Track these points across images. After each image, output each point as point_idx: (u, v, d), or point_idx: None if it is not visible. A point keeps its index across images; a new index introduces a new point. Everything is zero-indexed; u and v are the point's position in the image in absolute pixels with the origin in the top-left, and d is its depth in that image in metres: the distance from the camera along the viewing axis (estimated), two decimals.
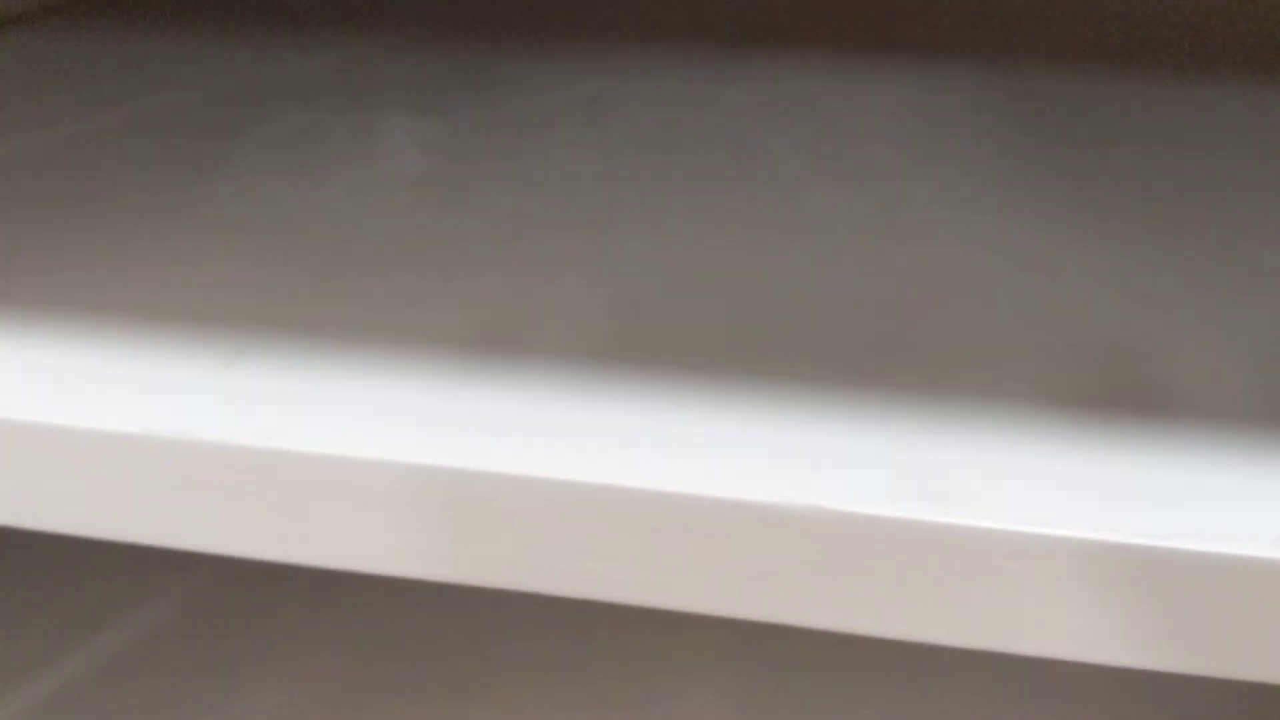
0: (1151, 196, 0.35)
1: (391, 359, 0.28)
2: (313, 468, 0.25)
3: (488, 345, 0.28)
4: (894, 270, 0.31)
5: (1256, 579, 0.21)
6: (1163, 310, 0.29)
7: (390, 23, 0.49)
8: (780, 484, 0.23)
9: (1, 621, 0.46)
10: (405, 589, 0.29)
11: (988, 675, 0.42)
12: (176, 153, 0.39)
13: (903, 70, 0.45)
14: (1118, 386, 0.26)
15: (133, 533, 0.26)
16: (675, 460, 0.24)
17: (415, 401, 0.26)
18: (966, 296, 0.30)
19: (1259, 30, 0.48)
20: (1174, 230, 0.33)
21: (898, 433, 0.25)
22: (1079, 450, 0.24)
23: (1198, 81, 0.43)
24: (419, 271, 0.32)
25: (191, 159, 0.38)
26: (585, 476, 0.24)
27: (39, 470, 0.26)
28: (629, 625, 0.42)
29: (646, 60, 0.45)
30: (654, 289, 0.31)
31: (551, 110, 0.41)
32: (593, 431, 0.25)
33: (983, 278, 0.31)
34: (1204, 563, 0.22)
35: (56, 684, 0.44)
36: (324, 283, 0.31)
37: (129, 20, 0.50)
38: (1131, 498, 0.23)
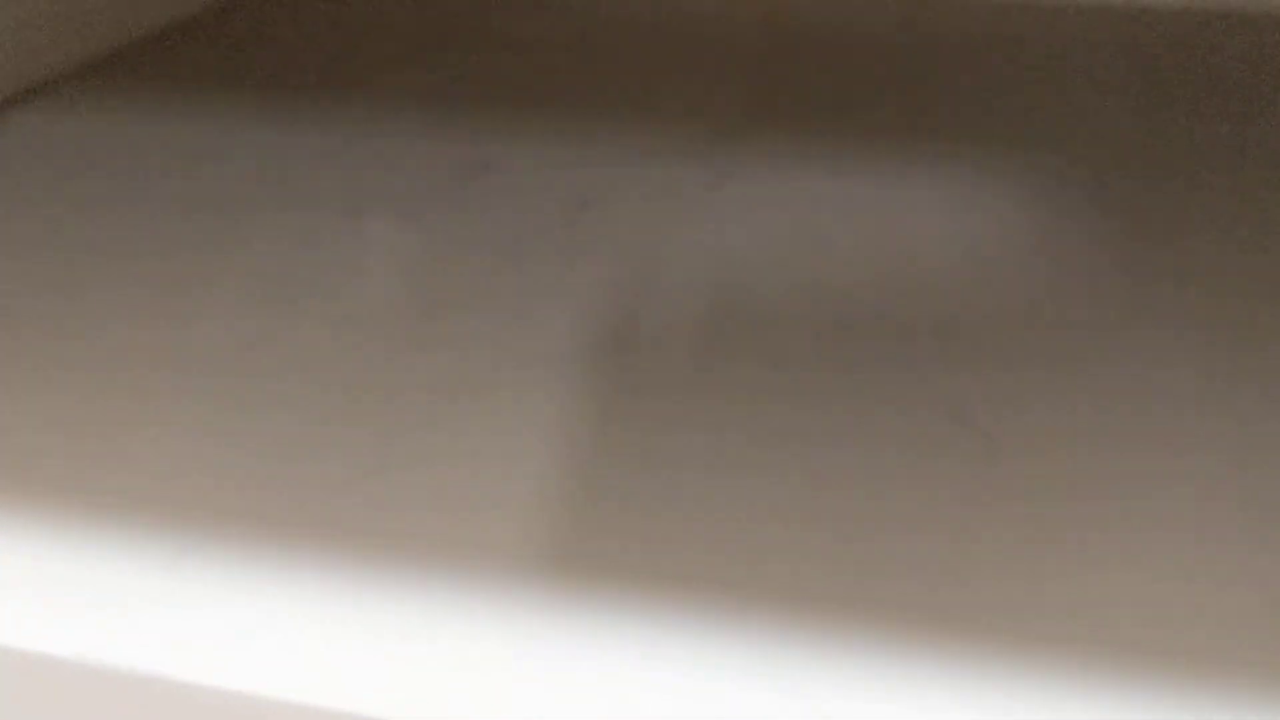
0: None
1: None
2: None
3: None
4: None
5: None
6: None
7: (382, 102, 0.49)
8: None
9: None
10: None
11: None
12: (127, 274, 0.36)
13: (919, 154, 0.43)
14: None
15: None
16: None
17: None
18: None
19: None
20: None
21: None
22: None
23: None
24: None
25: (149, 287, 0.36)
26: None
27: None
28: None
29: (647, 143, 0.44)
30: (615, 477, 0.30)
31: (539, 216, 0.39)
32: None
33: None
34: None
35: None
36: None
37: (105, 106, 0.49)
38: None
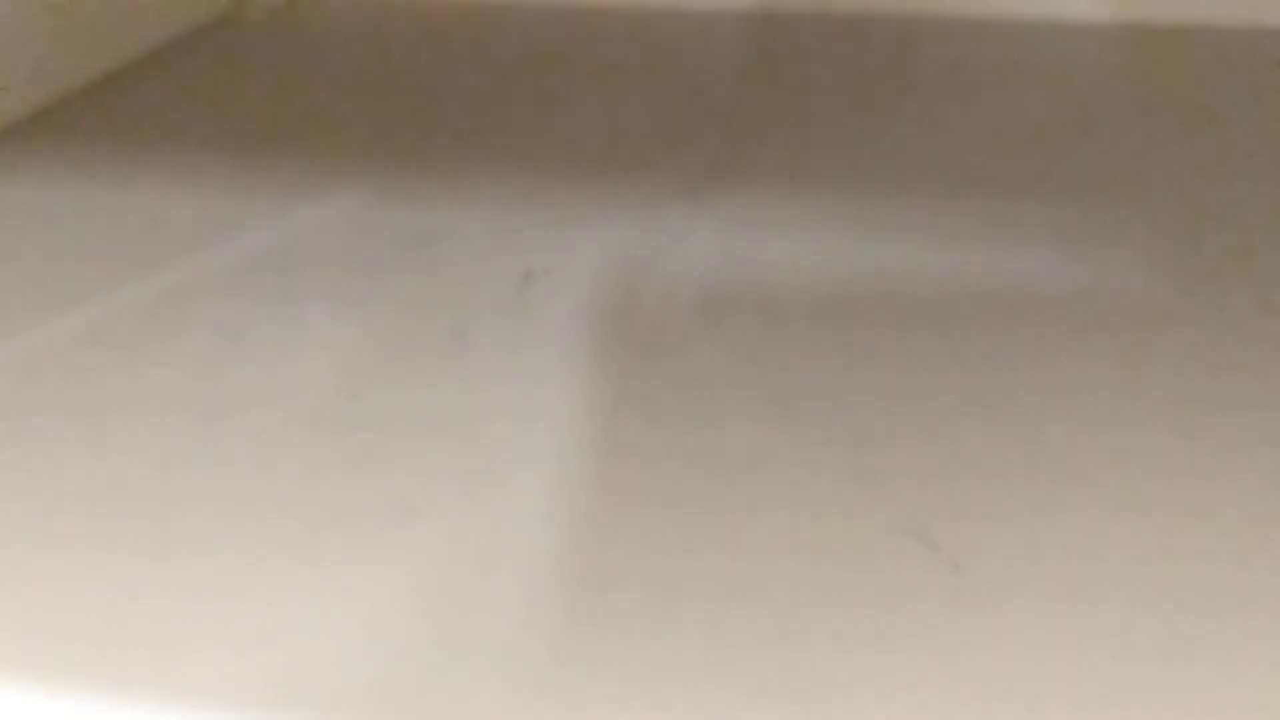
0: None
1: None
2: None
3: None
4: None
5: None
6: None
7: (325, 173, 0.45)
8: None
9: None
10: None
11: None
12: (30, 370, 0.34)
13: (890, 205, 0.40)
14: None
15: None
16: None
17: None
18: None
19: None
20: None
21: None
22: None
23: None
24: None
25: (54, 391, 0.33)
26: None
27: None
28: None
29: (599, 202, 0.41)
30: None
31: (481, 293, 0.36)
32: None
33: None
34: None
35: None
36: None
37: (20, 169, 0.46)
38: None
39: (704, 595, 0.24)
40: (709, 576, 0.25)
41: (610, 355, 0.32)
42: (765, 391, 0.31)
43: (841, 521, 0.26)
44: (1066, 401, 0.30)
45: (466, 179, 0.43)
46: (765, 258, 0.37)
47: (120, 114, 0.51)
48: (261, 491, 0.28)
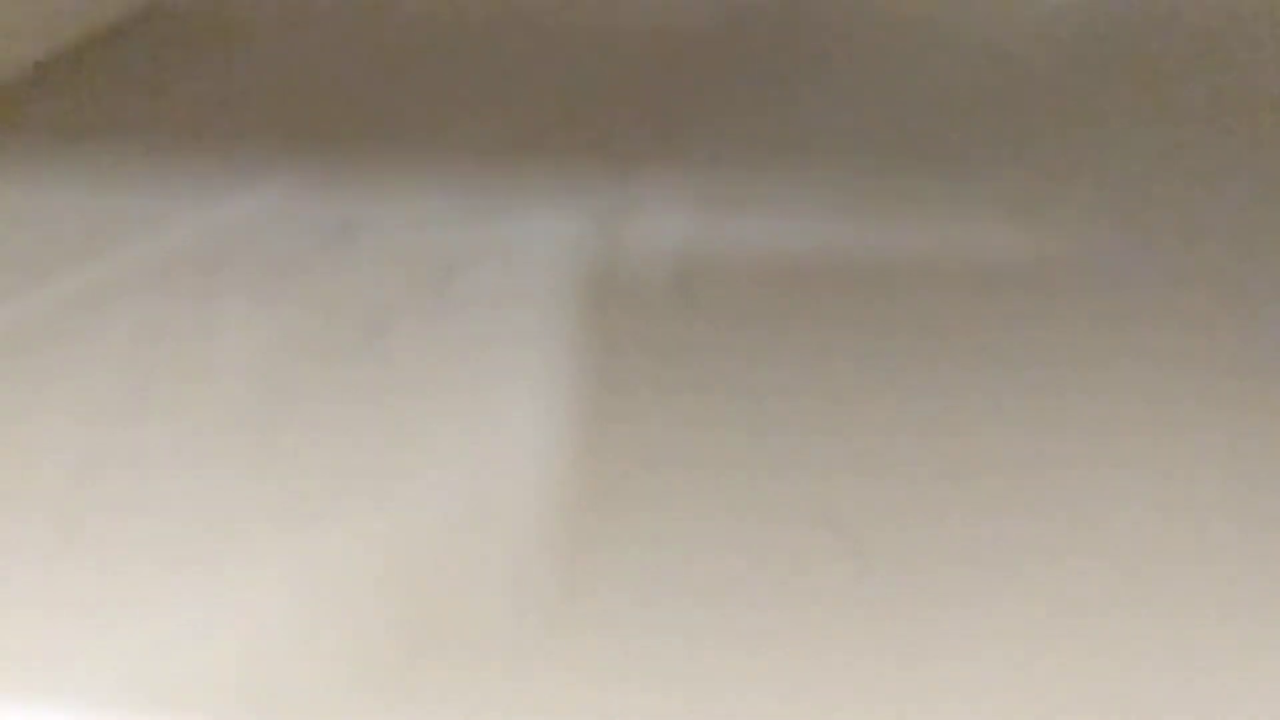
0: None
1: None
2: None
3: None
4: None
5: None
6: None
7: (249, 165, 0.44)
8: None
9: None
10: None
11: None
12: None
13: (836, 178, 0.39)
14: None
15: None
16: None
17: None
18: None
19: None
20: None
21: None
22: None
23: None
24: None
25: None
26: None
27: None
28: None
29: (527, 184, 0.40)
30: None
31: (402, 289, 0.35)
32: None
33: None
34: None
35: None
36: None
37: None
38: None
39: (605, 589, 0.24)
40: (613, 570, 0.25)
41: (532, 349, 0.32)
42: (687, 377, 0.31)
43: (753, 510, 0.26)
44: (1022, 374, 0.30)
45: (390, 169, 0.43)
46: (696, 243, 0.37)
47: (38, 108, 0.50)
48: (167, 495, 0.27)
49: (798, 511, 0.26)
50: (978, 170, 0.40)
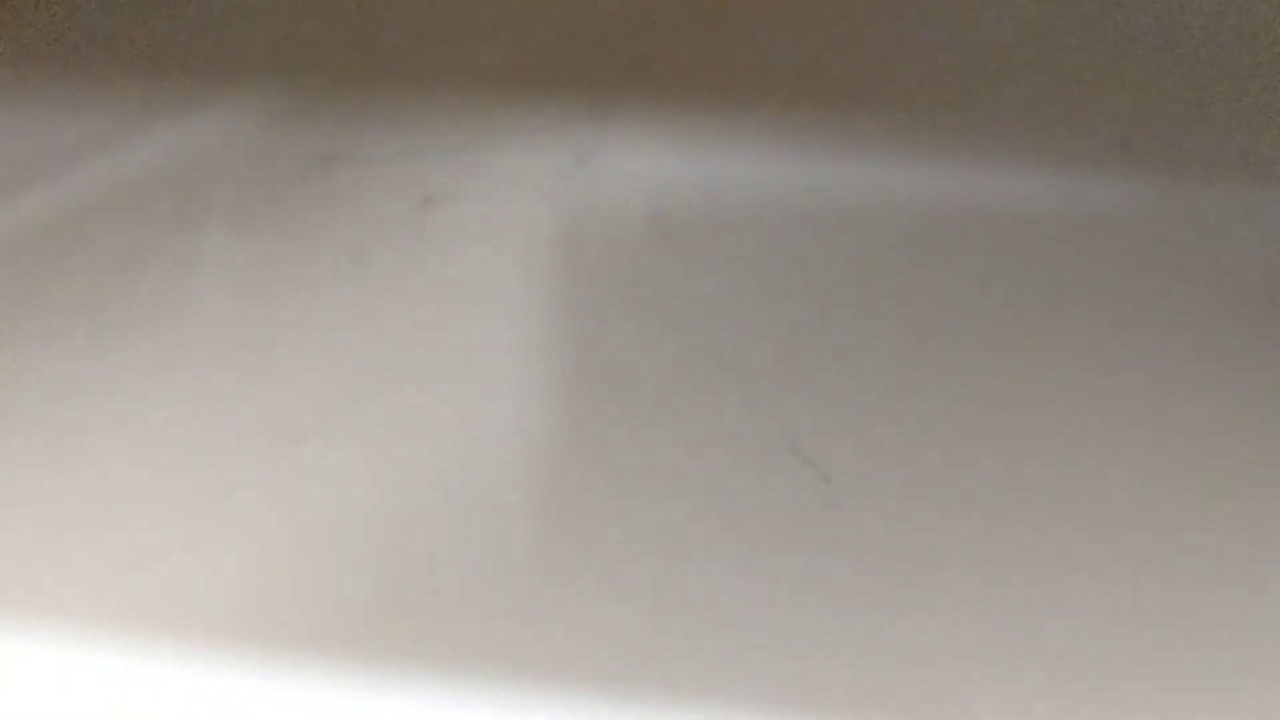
0: None
1: None
2: None
3: None
4: None
5: None
6: None
7: (226, 92, 0.43)
8: None
9: None
10: None
11: None
12: None
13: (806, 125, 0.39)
14: None
15: None
16: None
17: None
18: None
19: None
20: None
21: None
22: None
23: None
24: None
25: None
26: None
27: None
28: None
29: (501, 123, 0.40)
30: None
31: (380, 218, 0.36)
32: None
33: None
34: None
35: None
36: None
37: None
38: None
39: (584, 517, 0.25)
40: (589, 491, 0.25)
41: (510, 281, 0.33)
42: (662, 310, 0.31)
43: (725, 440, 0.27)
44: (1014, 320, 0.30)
45: (369, 100, 0.43)
46: (673, 180, 0.37)
47: (8, 28, 0.50)
48: (149, 417, 0.28)
49: (770, 443, 0.27)
50: (950, 114, 0.40)
